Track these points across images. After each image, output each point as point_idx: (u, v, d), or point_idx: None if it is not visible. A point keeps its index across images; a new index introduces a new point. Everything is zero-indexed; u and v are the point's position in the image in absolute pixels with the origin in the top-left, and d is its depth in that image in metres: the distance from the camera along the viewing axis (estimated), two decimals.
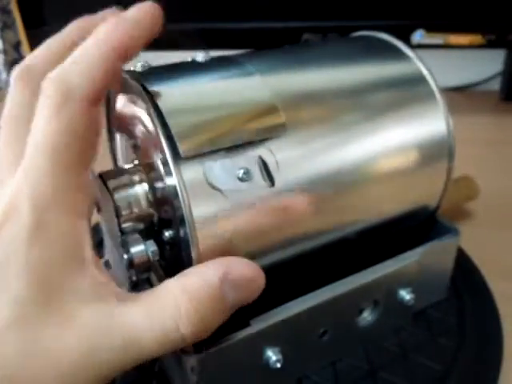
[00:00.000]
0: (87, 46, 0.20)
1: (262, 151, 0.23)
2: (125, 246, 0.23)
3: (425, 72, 0.29)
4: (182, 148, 0.21)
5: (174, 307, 0.19)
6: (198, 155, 0.21)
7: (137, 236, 0.24)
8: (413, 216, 0.29)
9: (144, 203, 0.24)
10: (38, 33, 0.64)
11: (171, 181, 0.21)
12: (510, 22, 0.57)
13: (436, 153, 0.28)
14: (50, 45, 0.23)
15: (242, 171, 0.22)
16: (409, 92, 0.28)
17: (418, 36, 0.57)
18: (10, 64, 0.81)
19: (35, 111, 0.19)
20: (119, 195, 0.24)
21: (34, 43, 0.64)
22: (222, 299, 0.20)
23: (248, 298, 0.21)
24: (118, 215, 0.24)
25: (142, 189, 0.24)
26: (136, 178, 0.25)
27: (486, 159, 0.51)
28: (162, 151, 0.21)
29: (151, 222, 0.25)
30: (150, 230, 0.25)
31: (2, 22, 0.75)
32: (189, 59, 0.26)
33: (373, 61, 0.29)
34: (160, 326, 0.19)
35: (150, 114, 0.22)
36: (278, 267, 0.25)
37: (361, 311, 0.28)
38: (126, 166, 0.26)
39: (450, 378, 0.27)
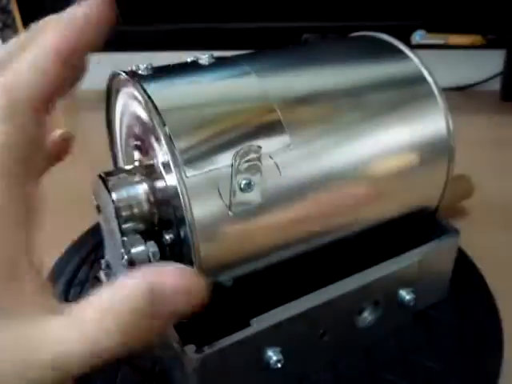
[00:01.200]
0: (34, 52, 0.19)
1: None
2: (125, 247, 0.23)
3: (424, 72, 0.29)
4: (182, 149, 0.21)
5: (96, 321, 0.18)
6: (198, 156, 0.21)
7: (137, 236, 0.24)
8: (413, 216, 0.29)
9: (144, 204, 0.24)
10: None
11: (172, 181, 0.21)
12: (510, 23, 0.57)
13: (436, 153, 0.28)
14: (11, 44, 0.22)
15: (244, 182, 0.22)
16: (408, 92, 0.28)
17: (418, 36, 0.57)
18: None
19: None
20: (119, 196, 0.24)
21: None
22: (146, 313, 0.18)
23: (184, 309, 0.19)
24: (118, 216, 0.24)
25: (142, 189, 0.24)
26: (136, 178, 0.25)
27: (485, 159, 0.51)
28: (163, 152, 0.21)
29: (151, 223, 0.25)
30: (151, 231, 0.25)
31: (2, 22, 0.75)
32: (190, 60, 0.26)
33: (372, 61, 0.29)
34: (84, 339, 0.18)
35: (149, 115, 0.22)
36: (280, 267, 0.25)
37: (361, 312, 0.28)
38: (127, 167, 0.26)
39: (450, 378, 0.27)
